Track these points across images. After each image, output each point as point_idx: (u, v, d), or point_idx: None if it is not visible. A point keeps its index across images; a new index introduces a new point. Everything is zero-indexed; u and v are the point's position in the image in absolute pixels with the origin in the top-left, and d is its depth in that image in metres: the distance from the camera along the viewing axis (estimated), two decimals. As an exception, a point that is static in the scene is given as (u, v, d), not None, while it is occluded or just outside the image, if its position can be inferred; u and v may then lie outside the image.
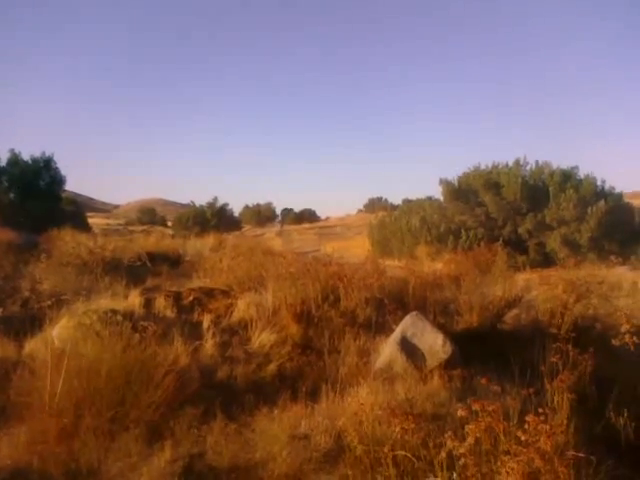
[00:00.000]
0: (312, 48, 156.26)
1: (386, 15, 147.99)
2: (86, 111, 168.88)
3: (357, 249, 21.80)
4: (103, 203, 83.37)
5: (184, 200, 61.21)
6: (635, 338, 5.48)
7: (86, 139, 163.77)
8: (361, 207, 60.91)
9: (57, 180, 23.44)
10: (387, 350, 5.73)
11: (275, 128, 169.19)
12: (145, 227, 38.81)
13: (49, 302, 7.05)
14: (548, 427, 2.78)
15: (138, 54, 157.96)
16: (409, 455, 3.38)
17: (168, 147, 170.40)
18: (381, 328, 6.53)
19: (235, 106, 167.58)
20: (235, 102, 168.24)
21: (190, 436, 4.17)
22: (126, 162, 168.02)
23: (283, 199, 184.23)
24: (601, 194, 18.74)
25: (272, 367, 5.59)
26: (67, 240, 11.02)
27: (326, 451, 3.87)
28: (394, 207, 42.35)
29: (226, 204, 45.11)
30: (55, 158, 23.19)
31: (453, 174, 21.26)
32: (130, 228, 37.90)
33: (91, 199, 78.27)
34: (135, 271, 9.66)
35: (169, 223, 49.60)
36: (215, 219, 41.31)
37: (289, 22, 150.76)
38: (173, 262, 11.09)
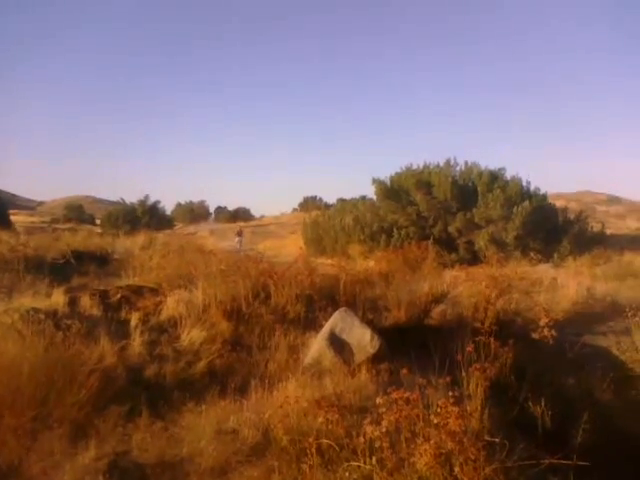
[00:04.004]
0: (240, 46, 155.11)
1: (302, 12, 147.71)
2: (10, 104, 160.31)
3: (291, 247, 21.82)
4: (27, 200, 79.85)
5: (114, 197, 59.45)
6: (553, 331, 5.81)
7: (10, 134, 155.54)
8: (296, 206, 61.01)
9: (-23, 176, 22.38)
10: (316, 345, 5.83)
11: (211, 126, 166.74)
12: (71, 225, 37.39)
13: (-33, 302, 6.74)
14: (457, 409, 2.92)
15: (67, 45, 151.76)
16: (333, 444, 3.48)
17: (98, 143, 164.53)
18: (311, 324, 6.63)
19: (169, 104, 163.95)
20: (170, 99, 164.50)
21: (115, 434, 4.12)
22: (52, 158, 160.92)
23: (217, 197, 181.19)
24: (526, 195, 19.47)
25: (202, 364, 5.57)
26: (-13, 238, 10.58)
27: (253, 444, 3.92)
28: (328, 206, 42.66)
29: (158, 202, 44.36)
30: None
31: (386, 174, 21.59)
32: (55, 226, 36.44)
33: (14, 195, 74.80)
34: (60, 270, 9.37)
35: (98, 221, 48.08)
36: (146, 217, 40.52)
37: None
38: (101, 261, 10.83)
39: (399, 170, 21.42)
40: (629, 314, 6.77)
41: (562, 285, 10.89)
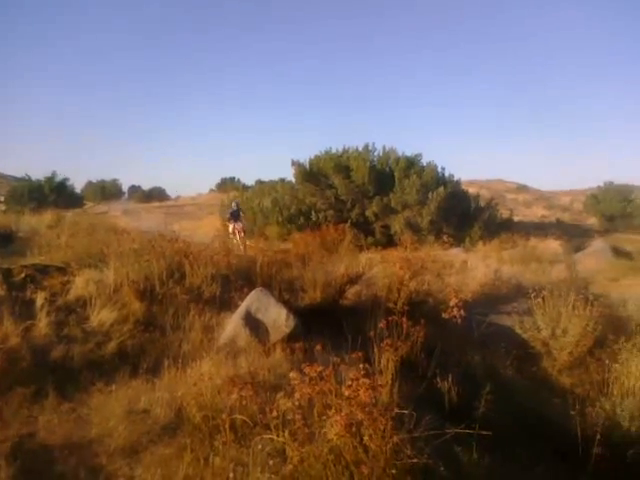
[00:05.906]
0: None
1: None
2: None
3: (208, 228, 21.48)
4: None
5: (19, 173, 55.84)
6: (462, 311, 6.05)
7: None
8: (213, 187, 59.88)
9: None
10: (231, 325, 5.82)
11: (128, 102, 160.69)
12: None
13: None
14: (367, 381, 3.01)
15: None
16: (247, 420, 3.50)
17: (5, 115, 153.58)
18: (227, 304, 6.60)
19: (84, 77, 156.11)
20: (89, 73, 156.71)
21: (20, 416, 3.98)
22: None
23: (132, 177, 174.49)
24: (441, 181, 20.06)
25: (112, 345, 5.43)
26: None
27: (165, 423, 3.89)
28: (247, 188, 42.16)
29: (66, 179, 42.14)
30: None
31: (306, 156, 21.59)
32: (-47, 202, 34.07)
33: None
34: (-43, 248, 8.81)
35: (1, 198, 45.31)
36: (54, 195, 38.48)
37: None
38: (4, 239, 10.25)
39: (318, 153, 21.49)
40: (532, 295, 7.16)
41: (472, 268, 11.40)
